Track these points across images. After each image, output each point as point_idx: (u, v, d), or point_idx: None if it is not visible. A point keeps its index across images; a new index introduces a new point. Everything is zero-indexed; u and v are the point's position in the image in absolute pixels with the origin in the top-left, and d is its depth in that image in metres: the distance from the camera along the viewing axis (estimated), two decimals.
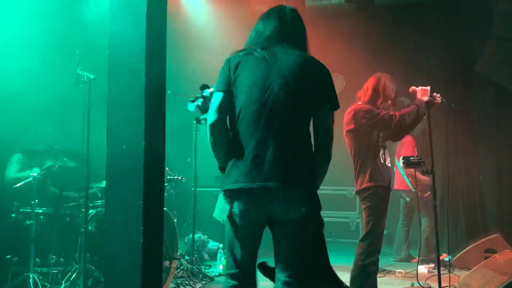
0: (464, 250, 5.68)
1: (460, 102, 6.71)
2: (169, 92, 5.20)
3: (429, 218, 5.91)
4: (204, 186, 6.08)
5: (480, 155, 6.97)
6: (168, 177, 4.95)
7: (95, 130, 3.88)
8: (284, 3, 2.59)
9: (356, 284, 3.75)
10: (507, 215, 6.83)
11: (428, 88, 3.89)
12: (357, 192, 3.90)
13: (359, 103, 3.91)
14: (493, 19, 6.47)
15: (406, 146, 6.09)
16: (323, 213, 2.40)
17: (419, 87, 3.91)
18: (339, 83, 8.47)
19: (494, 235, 5.65)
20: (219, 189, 6.95)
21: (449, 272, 4.40)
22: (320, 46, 6.99)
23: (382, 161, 3.82)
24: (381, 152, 3.84)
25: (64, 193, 4.65)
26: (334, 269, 2.57)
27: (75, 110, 4.23)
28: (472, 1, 6.82)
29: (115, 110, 2.56)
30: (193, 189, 5.51)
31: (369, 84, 3.96)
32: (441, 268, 3.90)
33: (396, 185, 6.31)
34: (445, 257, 6.01)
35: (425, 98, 3.86)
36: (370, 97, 3.90)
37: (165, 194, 4.91)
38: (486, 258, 4.73)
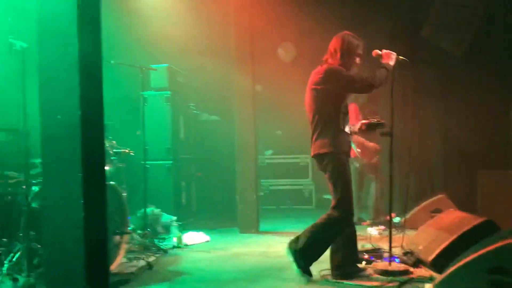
0: (413, 211, 5.86)
1: (406, 65, 6.78)
2: (112, 61, 5.01)
3: (378, 182, 6.05)
4: (154, 159, 5.94)
5: (427, 119, 7.14)
6: (116, 150, 4.78)
7: (33, 102, 3.66)
8: None
9: (317, 229, 3.67)
10: (451, 176, 7.07)
11: (394, 53, 3.85)
12: (315, 156, 3.78)
13: (328, 64, 3.80)
14: None
15: (350, 113, 6.13)
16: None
17: (383, 51, 3.87)
18: (290, 51, 8.42)
19: (439, 196, 5.87)
20: (170, 161, 6.78)
21: (404, 232, 4.52)
22: (271, 17, 6.90)
23: (342, 127, 3.76)
24: (342, 117, 3.77)
25: (6, 172, 4.40)
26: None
27: (9, 82, 3.98)
28: None
29: (47, 78, 2.42)
30: (142, 162, 5.37)
31: (336, 45, 3.85)
32: (392, 229, 4.00)
33: None
34: (393, 216, 6.19)
35: (392, 62, 3.82)
36: (339, 59, 3.79)
37: (113, 168, 4.74)
38: (432, 217, 4.89)
